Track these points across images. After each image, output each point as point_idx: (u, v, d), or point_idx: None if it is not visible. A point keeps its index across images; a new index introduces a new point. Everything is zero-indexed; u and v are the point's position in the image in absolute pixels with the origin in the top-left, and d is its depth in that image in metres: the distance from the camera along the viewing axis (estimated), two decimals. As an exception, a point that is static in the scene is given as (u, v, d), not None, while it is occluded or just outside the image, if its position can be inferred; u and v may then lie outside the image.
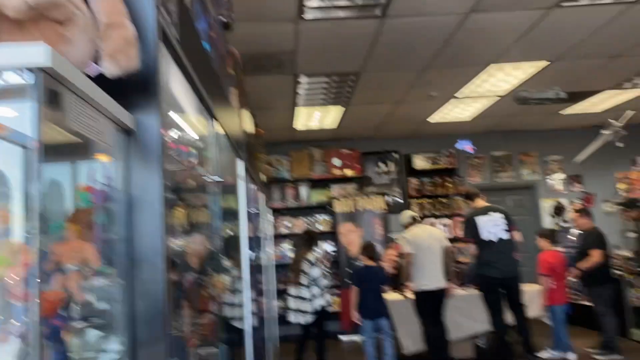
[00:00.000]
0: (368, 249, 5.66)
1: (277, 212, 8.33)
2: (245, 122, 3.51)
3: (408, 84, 5.89)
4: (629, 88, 6.57)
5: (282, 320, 7.79)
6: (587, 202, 8.72)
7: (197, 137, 1.96)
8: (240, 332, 2.63)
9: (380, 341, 5.52)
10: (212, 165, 1.91)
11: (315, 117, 7.11)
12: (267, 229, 6.13)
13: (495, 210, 5.70)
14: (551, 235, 6.11)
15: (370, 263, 5.54)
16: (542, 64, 5.46)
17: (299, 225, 8.26)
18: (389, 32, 4.41)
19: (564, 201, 8.76)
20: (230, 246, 2.77)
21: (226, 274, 2.65)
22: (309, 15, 4.05)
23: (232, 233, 2.82)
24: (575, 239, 6.72)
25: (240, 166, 2.64)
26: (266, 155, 6.94)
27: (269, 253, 6.47)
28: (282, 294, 7.98)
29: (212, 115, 1.79)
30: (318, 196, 8.43)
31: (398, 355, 6.01)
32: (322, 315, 5.59)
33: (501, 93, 6.41)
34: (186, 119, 2.05)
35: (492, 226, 5.56)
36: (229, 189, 2.69)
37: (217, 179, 1.90)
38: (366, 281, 5.46)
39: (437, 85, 5.95)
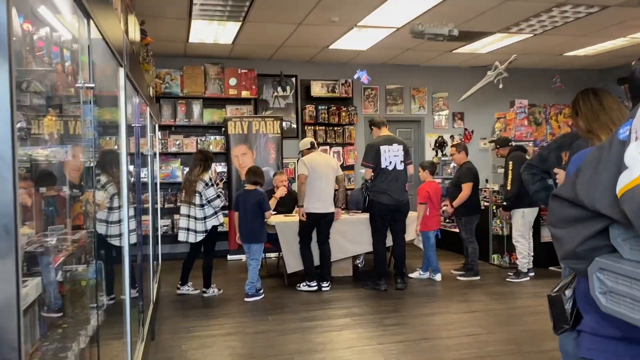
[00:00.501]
0: (249, 173, 5.72)
1: (167, 129, 7.99)
2: (131, 28, 3.22)
3: (310, 6, 5.72)
4: (515, 33, 6.95)
5: (169, 238, 7.73)
6: (465, 138, 9.35)
7: (71, 38, 1.76)
8: (119, 249, 2.54)
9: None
10: (88, 72, 1.74)
11: (211, 31, 6.73)
12: (153, 145, 5.88)
13: (397, 141, 5.96)
14: (431, 167, 6.52)
15: (250, 187, 5.64)
16: (441, -1, 5.55)
17: (189, 144, 8.02)
18: (293, -54, 4.20)
19: (446, 136, 9.32)
20: (110, 161, 2.61)
21: (104, 189, 2.51)
22: None
23: (111, 147, 2.64)
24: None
25: (122, 76, 2.44)
26: (155, 68, 6.52)
27: (155, 171, 6.25)
28: (168, 212, 7.85)
29: (87, 15, 1.59)
30: (211, 115, 8.18)
31: (283, 274, 6.26)
32: (212, 234, 5.62)
33: (398, 25, 6.47)
34: (58, 16, 1.82)
35: (392, 156, 5.84)
36: (110, 100, 2.49)
37: (89, 85, 1.73)
38: (243, 205, 5.61)
39: (339, 10, 5.85)
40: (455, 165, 7.05)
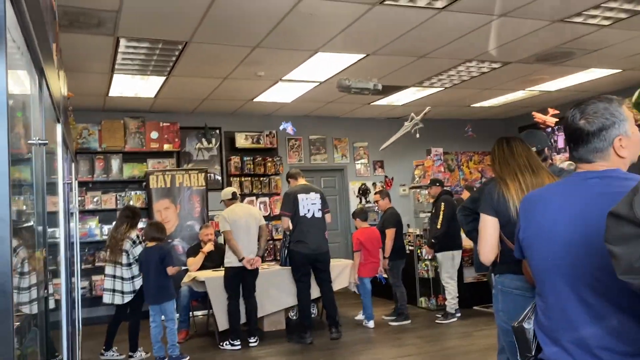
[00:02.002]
0: (148, 228, 5.42)
1: (84, 186, 7.62)
2: (61, 83, 3.13)
3: (236, 61, 5.83)
4: (428, 87, 7.45)
5: (87, 301, 7.23)
6: (386, 185, 9.71)
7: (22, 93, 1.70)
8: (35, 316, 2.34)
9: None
10: (37, 128, 1.67)
11: (132, 85, 6.62)
12: (73, 203, 5.58)
13: (314, 190, 6.04)
14: (361, 214, 6.65)
15: (151, 244, 5.26)
16: (360, 56, 5.86)
17: (108, 200, 7.68)
18: (222, 4, 4.30)
19: (369, 183, 9.63)
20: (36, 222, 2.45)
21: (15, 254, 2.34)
22: (138, -27, 3.74)
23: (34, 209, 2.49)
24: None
25: (59, 131, 2.35)
26: (75, 123, 6.28)
27: (74, 229, 5.89)
28: (86, 273, 7.38)
29: (41, 71, 1.55)
30: (132, 170, 7.92)
31: (214, 332, 6.03)
32: (140, 295, 5.34)
33: (322, 79, 6.73)
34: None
35: (310, 204, 5.89)
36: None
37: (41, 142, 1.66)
38: (145, 264, 5.19)
39: (265, 65, 6.00)
40: (380, 211, 7.27)
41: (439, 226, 6.38)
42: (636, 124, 1.66)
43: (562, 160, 6.79)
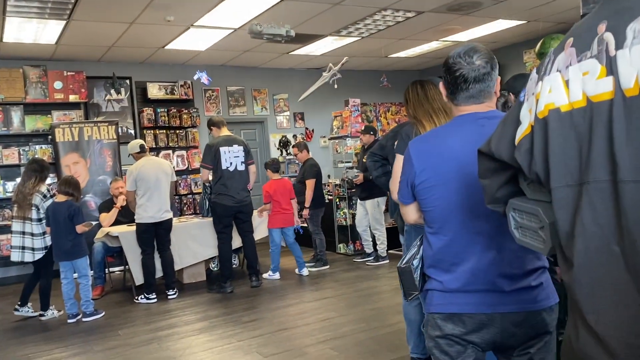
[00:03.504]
0: (61, 183, 5.19)
1: (-19, 140, 7.06)
2: None
3: (141, 4, 5.50)
4: (345, 36, 7.43)
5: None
6: (307, 137, 9.74)
7: None
8: None
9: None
10: None
11: (29, 30, 6.11)
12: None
13: (237, 142, 5.94)
14: (273, 165, 6.57)
15: (61, 198, 5.05)
16: (275, 1, 5.71)
17: (11, 155, 7.17)
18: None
19: (290, 136, 9.61)
20: None
21: None
22: None
23: None
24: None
25: None
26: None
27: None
28: (-10, 234, 6.96)
29: None
30: (35, 123, 7.40)
31: (131, 287, 5.93)
32: (50, 252, 5.10)
33: (236, 26, 6.52)
34: None
35: (232, 157, 5.81)
36: None
37: None
38: (53, 219, 4.98)
39: (174, 9, 5.71)
40: (300, 163, 7.30)
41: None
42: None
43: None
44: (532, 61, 7.50)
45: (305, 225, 6.91)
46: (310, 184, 6.62)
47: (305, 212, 6.64)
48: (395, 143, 3.13)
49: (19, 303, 5.23)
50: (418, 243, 1.78)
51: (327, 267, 6.70)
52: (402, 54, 8.93)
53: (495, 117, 1.64)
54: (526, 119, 1.07)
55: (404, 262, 1.77)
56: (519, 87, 3.13)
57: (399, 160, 2.58)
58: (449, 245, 1.66)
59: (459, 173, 1.62)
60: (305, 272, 6.46)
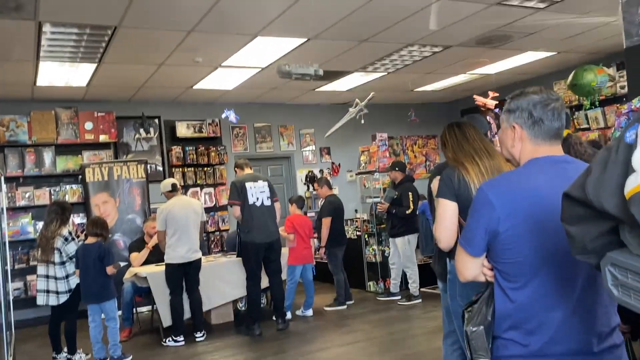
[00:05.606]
0: (89, 224, 5.16)
1: (14, 181, 7.18)
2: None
3: (171, 46, 5.57)
4: (371, 71, 7.41)
5: (22, 303, 6.84)
6: (333, 172, 9.67)
7: None
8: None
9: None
10: None
11: (62, 73, 6.24)
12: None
13: (261, 178, 5.97)
14: (299, 202, 6.53)
15: (91, 240, 5.01)
16: (302, 40, 5.73)
17: (42, 195, 7.27)
18: (152, -14, 4.07)
19: (316, 171, 9.56)
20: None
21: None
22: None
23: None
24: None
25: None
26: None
27: (2, 229, 5.55)
28: (20, 273, 7.00)
29: None
30: (66, 163, 7.51)
31: (159, 328, 5.83)
32: (76, 294, 5.06)
33: (263, 65, 6.56)
34: None
35: (258, 192, 5.78)
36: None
37: None
38: (83, 261, 4.93)
39: (203, 50, 5.78)
40: (322, 199, 7.21)
41: (409, 211, 6.31)
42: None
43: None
44: (563, 92, 7.33)
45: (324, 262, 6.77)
46: (326, 222, 6.50)
47: (321, 251, 6.54)
48: (432, 186, 3.01)
49: (54, 352, 5.15)
50: (485, 297, 1.57)
51: (345, 307, 6.53)
52: (429, 87, 8.87)
53: (573, 161, 1.52)
54: None
55: (475, 323, 1.55)
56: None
57: (445, 205, 2.44)
58: (538, 301, 1.46)
59: (553, 218, 1.39)
60: (309, 312, 6.32)
